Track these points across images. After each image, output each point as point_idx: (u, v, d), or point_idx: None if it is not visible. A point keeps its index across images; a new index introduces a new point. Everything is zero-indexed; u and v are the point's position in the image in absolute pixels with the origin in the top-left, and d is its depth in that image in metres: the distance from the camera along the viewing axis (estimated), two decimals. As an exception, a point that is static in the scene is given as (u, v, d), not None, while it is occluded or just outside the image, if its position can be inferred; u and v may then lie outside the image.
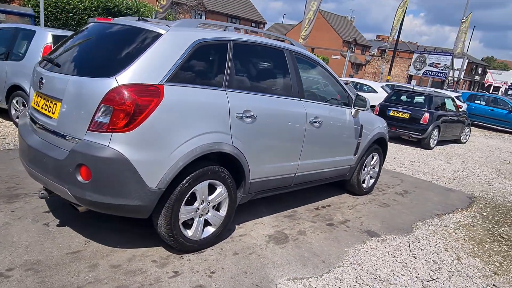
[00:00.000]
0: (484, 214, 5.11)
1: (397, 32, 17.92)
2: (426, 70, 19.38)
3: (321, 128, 3.87)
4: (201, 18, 36.25)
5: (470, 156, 9.52)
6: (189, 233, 2.90)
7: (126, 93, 2.40)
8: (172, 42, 2.68)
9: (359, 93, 4.51)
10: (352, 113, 4.36)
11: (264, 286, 2.68)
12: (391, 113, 9.72)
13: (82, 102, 2.49)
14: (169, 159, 2.60)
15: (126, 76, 2.44)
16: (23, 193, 3.63)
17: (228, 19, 37.55)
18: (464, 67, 20.30)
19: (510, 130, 16.22)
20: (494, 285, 3.20)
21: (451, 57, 18.80)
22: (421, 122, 9.32)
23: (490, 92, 51.31)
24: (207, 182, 2.90)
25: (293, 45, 3.89)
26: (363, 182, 4.96)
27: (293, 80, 3.62)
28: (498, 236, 4.37)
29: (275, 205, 4.19)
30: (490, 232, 4.46)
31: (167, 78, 2.59)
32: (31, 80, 3.16)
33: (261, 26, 41.42)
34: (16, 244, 2.76)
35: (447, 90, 16.95)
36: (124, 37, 2.74)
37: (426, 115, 9.32)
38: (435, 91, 12.47)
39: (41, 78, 2.78)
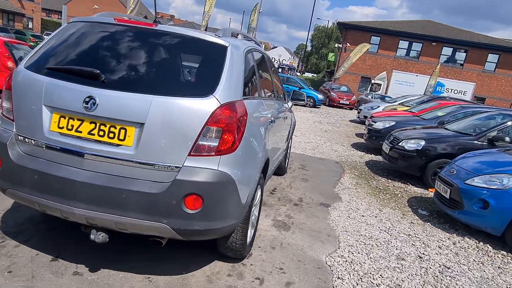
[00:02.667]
0: (356, 174, 6.84)
1: (209, 17, 19.07)
2: (234, 53, 21.46)
3: (284, 122, 4.39)
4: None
5: (301, 128, 11.72)
6: (248, 239, 3.00)
7: (230, 112, 2.32)
8: (236, 55, 2.64)
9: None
10: (290, 105, 5.03)
11: (321, 267, 3.16)
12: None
13: (178, 126, 2.23)
14: (253, 172, 2.66)
15: (223, 95, 2.35)
16: (-15, 247, 2.68)
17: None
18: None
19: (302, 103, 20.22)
20: (411, 222, 4.67)
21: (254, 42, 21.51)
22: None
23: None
24: (259, 187, 3.04)
25: (260, 47, 4.18)
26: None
27: (273, 82, 3.98)
28: (377, 189, 6.05)
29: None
30: (372, 187, 6.11)
31: (242, 92, 2.59)
32: (31, 97, 2.37)
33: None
34: (79, 307, 2.23)
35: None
36: (191, 49, 2.50)
37: (269, 96, 10.82)
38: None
39: (91, 97, 2.21)
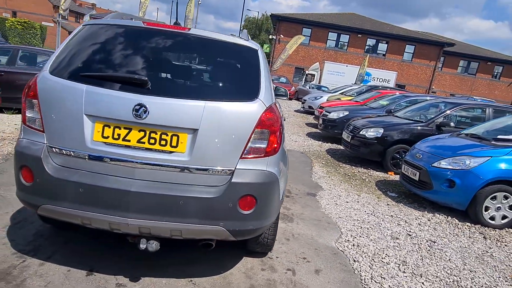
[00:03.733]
0: (323, 163, 7.24)
1: (146, 9, 18.33)
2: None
3: None
4: None
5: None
6: (273, 233, 3.13)
7: (275, 114, 2.43)
8: (263, 57, 2.72)
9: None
10: None
11: (336, 252, 3.42)
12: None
13: (230, 130, 2.27)
14: (286, 169, 2.79)
15: (265, 98, 2.44)
16: None
17: None
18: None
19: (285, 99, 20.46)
20: (387, 204, 5.14)
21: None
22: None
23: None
24: None
25: None
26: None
27: None
28: (347, 176, 6.51)
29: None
30: (341, 174, 6.55)
31: (272, 93, 2.69)
32: (67, 106, 2.23)
33: None
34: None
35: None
36: (227, 54, 2.52)
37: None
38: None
39: (141, 105, 2.16)
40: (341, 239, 3.71)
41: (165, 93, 2.24)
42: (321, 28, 32.78)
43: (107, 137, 2.22)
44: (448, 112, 7.24)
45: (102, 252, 2.81)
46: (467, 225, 4.64)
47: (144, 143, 2.22)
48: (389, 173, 7.01)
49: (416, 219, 4.66)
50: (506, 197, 4.64)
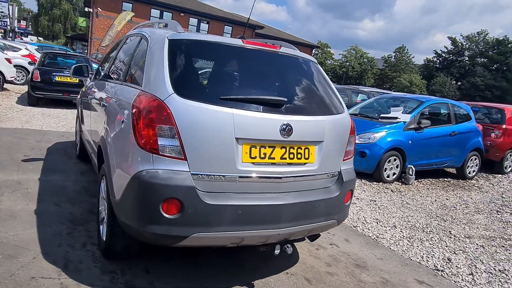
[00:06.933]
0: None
1: None
2: (-22, 17, 16.12)
3: None
4: None
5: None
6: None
7: (352, 121, 2.96)
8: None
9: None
10: None
11: (349, 227, 4.18)
12: (57, 79, 9.18)
13: (339, 139, 2.69)
14: None
15: (346, 108, 2.94)
16: None
17: None
18: (16, 15, 18.32)
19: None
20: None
21: (7, 3, 16.71)
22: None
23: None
24: None
25: None
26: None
27: None
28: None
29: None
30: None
31: None
32: (214, 131, 2.15)
33: None
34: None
35: (15, 41, 15.44)
36: (306, 70, 2.81)
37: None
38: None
39: (287, 125, 2.31)
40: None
41: (300, 111, 2.46)
42: (143, 4, 31.48)
43: (255, 157, 2.29)
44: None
45: (192, 270, 2.76)
46: (375, 184, 6.17)
47: (285, 158, 2.40)
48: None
49: (346, 185, 5.88)
50: (395, 160, 6.38)
